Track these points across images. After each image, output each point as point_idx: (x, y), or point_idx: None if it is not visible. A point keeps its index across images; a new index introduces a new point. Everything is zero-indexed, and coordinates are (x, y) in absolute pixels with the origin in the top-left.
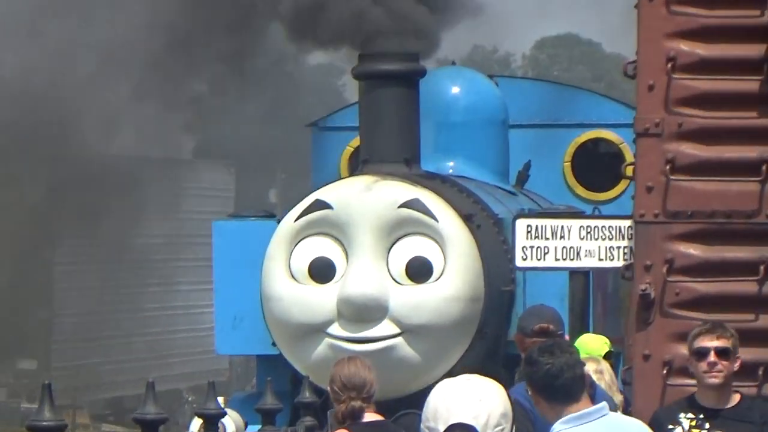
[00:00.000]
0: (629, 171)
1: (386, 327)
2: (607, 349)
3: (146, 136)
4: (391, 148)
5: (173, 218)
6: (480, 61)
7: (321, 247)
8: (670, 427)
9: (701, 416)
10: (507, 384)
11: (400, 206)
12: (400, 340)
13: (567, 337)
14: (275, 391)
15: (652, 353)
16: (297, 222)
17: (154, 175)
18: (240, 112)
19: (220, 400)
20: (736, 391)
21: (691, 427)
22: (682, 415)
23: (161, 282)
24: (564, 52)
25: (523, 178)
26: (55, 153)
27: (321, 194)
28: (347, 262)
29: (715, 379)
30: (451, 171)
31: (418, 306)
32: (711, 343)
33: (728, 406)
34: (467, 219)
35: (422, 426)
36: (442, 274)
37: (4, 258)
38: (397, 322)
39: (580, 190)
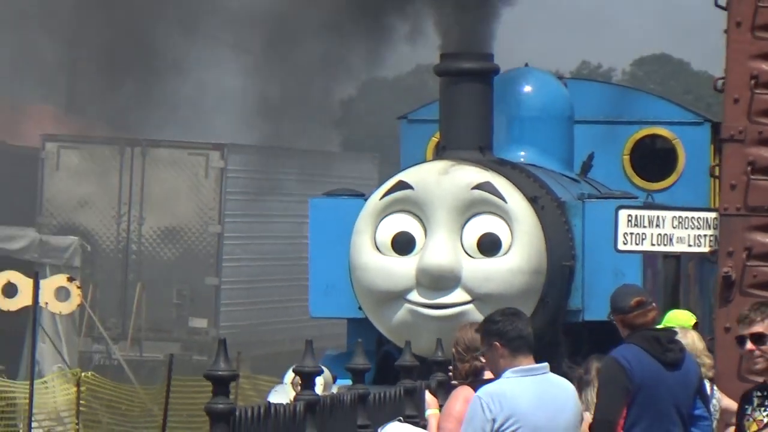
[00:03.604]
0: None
1: (459, 295)
2: (694, 321)
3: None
4: (467, 137)
5: None
6: (587, 74)
7: (403, 222)
8: (746, 405)
9: (765, 394)
10: (565, 349)
11: (474, 188)
12: (471, 306)
13: (655, 305)
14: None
15: (732, 327)
16: (382, 200)
17: (312, 164)
18: (381, 111)
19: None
20: None
21: (757, 405)
22: (756, 392)
23: None
24: (658, 69)
25: (586, 167)
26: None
27: (404, 176)
28: (426, 236)
29: (758, 365)
30: (522, 159)
31: (488, 277)
32: (745, 330)
33: None
34: (533, 201)
35: None
36: (509, 249)
37: (182, 233)
38: (468, 290)
39: (637, 180)
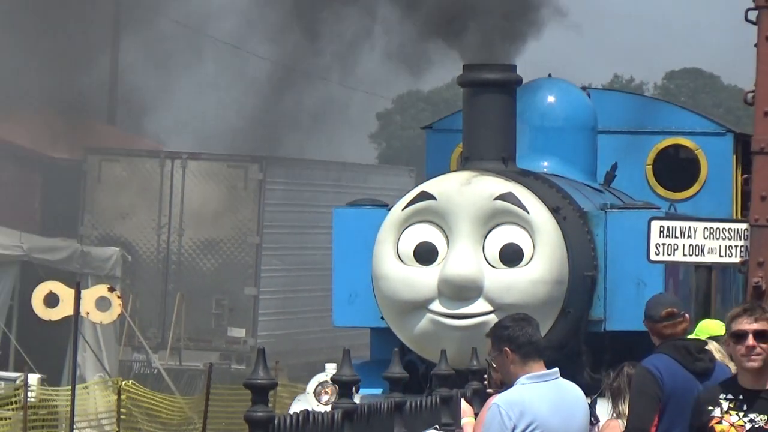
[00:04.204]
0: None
1: (481, 305)
2: (725, 331)
3: (339, 144)
4: (490, 148)
5: None
6: (618, 88)
7: (425, 233)
8: (710, 408)
9: (740, 398)
10: (587, 359)
11: (496, 198)
12: (492, 316)
13: (687, 317)
14: (383, 359)
15: None
16: (405, 210)
17: (349, 177)
18: (417, 124)
19: (331, 366)
20: None
21: (729, 408)
22: (722, 396)
23: None
24: (689, 83)
25: (610, 177)
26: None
27: (426, 187)
28: (448, 246)
29: (753, 363)
30: (545, 169)
31: (510, 287)
32: (749, 325)
33: None
34: (555, 211)
35: None
36: (531, 259)
37: (221, 244)
38: (490, 300)
39: (660, 190)
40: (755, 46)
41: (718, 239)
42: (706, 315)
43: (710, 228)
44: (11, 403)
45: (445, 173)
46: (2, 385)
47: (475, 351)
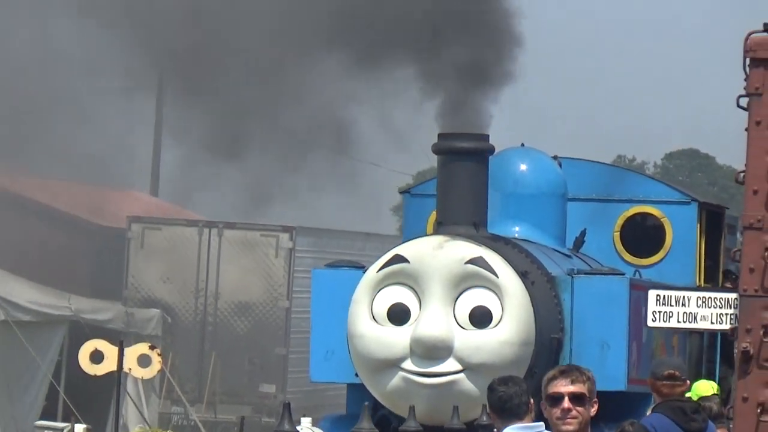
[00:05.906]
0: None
1: (451, 364)
2: (712, 392)
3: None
4: (462, 213)
5: None
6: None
7: (398, 294)
8: None
9: None
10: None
11: (467, 262)
12: (462, 376)
13: (688, 383)
14: (357, 413)
15: (749, 396)
16: (379, 273)
17: (372, 246)
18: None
19: (308, 420)
20: None
21: None
22: None
23: None
24: (686, 163)
25: (579, 243)
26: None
27: (400, 250)
28: (420, 308)
29: (568, 426)
30: (516, 234)
31: (479, 347)
32: (565, 388)
33: None
34: (523, 275)
35: None
36: (500, 321)
37: (254, 307)
38: (460, 360)
39: (626, 256)
40: (746, 130)
41: (710, 308)
42: (698, 377)
43: (703, 297)
44: None
45: (418, 237)
46: None
47: (484, 408)
